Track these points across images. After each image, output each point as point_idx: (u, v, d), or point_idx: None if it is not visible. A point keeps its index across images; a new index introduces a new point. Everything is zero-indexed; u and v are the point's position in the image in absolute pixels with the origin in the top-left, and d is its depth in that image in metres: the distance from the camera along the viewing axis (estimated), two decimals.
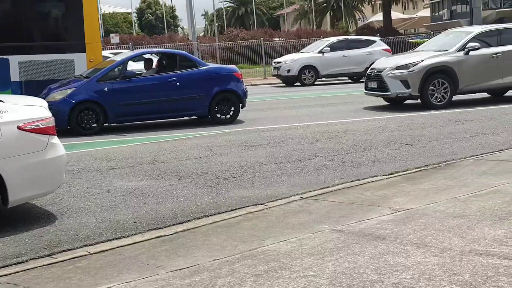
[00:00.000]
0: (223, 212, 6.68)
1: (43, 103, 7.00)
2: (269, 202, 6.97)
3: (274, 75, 28.75)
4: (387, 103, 16.30)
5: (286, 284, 4.28)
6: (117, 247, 5.56)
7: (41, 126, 6.41)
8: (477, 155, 8.89)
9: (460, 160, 8.55)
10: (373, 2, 58.72)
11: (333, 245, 5.07)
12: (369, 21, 65.16)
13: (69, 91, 13.27)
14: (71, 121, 13.06)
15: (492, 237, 4.97)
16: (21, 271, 5.02)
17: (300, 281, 4.30)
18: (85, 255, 5.39)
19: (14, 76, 14.92)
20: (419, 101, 15.28)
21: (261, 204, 6.89)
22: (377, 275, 4.30)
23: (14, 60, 14.93)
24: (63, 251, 5.58)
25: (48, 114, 6.64)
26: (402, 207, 6.17)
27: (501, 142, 9.91)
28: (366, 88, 16.38)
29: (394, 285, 4.10)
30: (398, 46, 35.11)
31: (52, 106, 11.35)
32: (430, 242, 4.93)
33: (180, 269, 4.78)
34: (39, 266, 5.12)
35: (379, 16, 60.81)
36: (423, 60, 15.05)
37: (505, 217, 5.49)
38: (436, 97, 14.94)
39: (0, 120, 6.13)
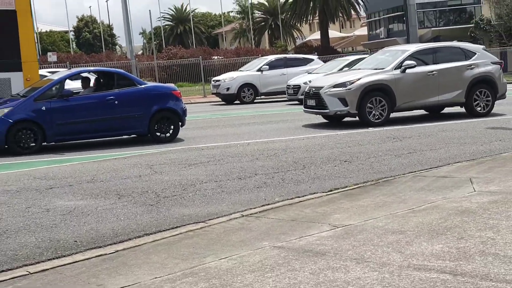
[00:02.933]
0: (164, 230, 6.68)
1: None
2: (210, 219, 7.00)
3: (213, 93, 28.90)
4: (326, 121, 16.60)
5: None
6: (58, 266, 5.50)
7: None
8: (415, 171, 9.09)
9: (399, 177, 8.75)
10: (310, 21, 59.75)
11: (274, 261, 5.16)
12: (307, 39, 66.26)
13: (6, 110, 13.02)
14: (8, 140, 12.81)
15: (430, 252, 5.13)
16: None
17: None
18: (25, 274, 5.32)
19: None
20: (357, 118, 15.62)
21: (202, 222, 6.93)
22: None
23: None
24: (2, 271, 5.49)
25: None
26: (341, 223, 6.31)
27: (438, 158, 10.22)
28: (305, 106, 16.64)
29: None
30: None
31: None
32: (369, 258, 5.07)
33: None
34: None
35: (317, 35, 61.86)
36: (360, 78, 15.40)
37: (443, 232, 5.68)
38: (374, 114, 15.31)
39: None
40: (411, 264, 4.84)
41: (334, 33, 64.32)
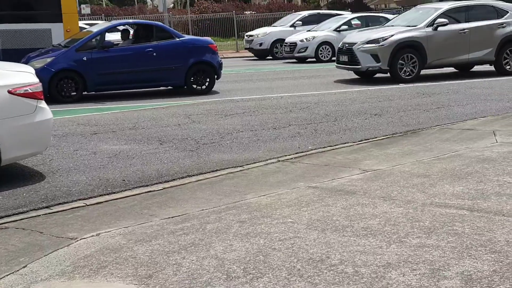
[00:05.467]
0: (206, 173, 7.17)
1: (31, 69, 7.38)
2: (248, 164, 7.48)
3: (246, 48, 29.17)
4: (358, 77, 16.90)
5: (268, 228, 4.83)
6: (111, 200, 6.05)
7: (30, 91, 6.81)
8: (441, 124, 9.51)
9: (426, 129, 9.16)
10: None
11: (309, 198, 5.63)
12: None
13: (49, 59, 13.57)
14: (51, 89, 13.38)
15: (451, 192, 5.59)
16: (26, 218, 5.50)
17: (280, 226, 4.85)
18: (82, 206, 5.88)
19: None
20: (388, 74, 15.89)
21: (240, 166, 7.40)
22: (348, 221, 4.88)
23: None
24: (60, 203, 6.03)
25: (36, 80, 7.04)
26: (371, 168, 6.76)
27: (465, 113, 10.56)
28: (338, 61, 16.96)
29: (362, 229, 4.68)
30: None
31: None
32: (395, 196, 5.52)
33: (172, 217, 5.30)
34: (42, 215, 5.60)
35: None
36: (393, 35, 15.64)
37: (464, 176, 6.12)
38: (405, 71, 15.58)
39: None
40: (433, 202, 5.30)
41: None
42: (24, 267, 4.28)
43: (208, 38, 16.40)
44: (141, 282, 3.91)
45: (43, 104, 7.01)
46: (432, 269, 3.86)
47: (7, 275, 4.14)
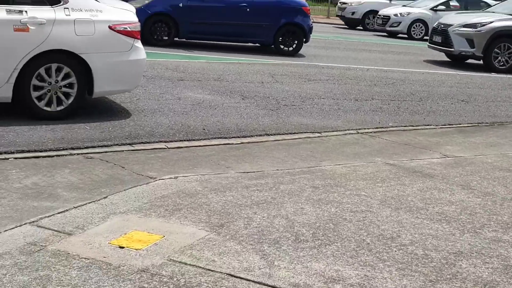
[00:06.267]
0: (283, 134, 7.24)
1: (132, 8, 7.56)
2: (326, 132, 7.49)
3: (337, 16, 28.83)
4: (448, 59, 16.48)
5: (340, 198, 4.85)
6: (191, 147, 6.20)
7: (129, 29, 6.99)
8: None
9: None
10: None
11: (385, 175, 5.61)
12: None
13: (147, 1, 13.81)
14: (144, 30, 13.57)
15: None
16: (110, 152, 5.72)
17: (353, 198, 4.87)
18: (163, 148, 6.06)
19: None
20: (481, 62, 15.42)
21: (318, 132, 7.42)
22: (423, 204, 4.85)
23: None
24: (142, 142, 6.23)
25: (136, 19, 7.20)
26: (452, 154, 6.65)
27: None
28: (430, 41, 16.56)
29: (437, 213, 4.64)
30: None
31: None
32: (474, 186, 5.43)
33: (247, 172, 5.40)
34: (125, 151, 5.80)
35: None
36: (492, 22, 15.10)
37: None
38: (500, 60, 15.07)
39: (95, 18, 6.71)
40: None
41: None
42: (105, 197, 4.47)
43: (303, 0, 16.26)
44: (213, 230, 4.02)
45: (138, 43, 7.19)
46: (505, 265, 3.81)
47: (89, 203, 4.34)
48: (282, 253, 3.75)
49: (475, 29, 15.10)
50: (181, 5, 13.84)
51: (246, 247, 3.79)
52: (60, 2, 6.50)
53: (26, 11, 6.29)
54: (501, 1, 18.74)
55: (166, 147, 6.11)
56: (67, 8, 6.52)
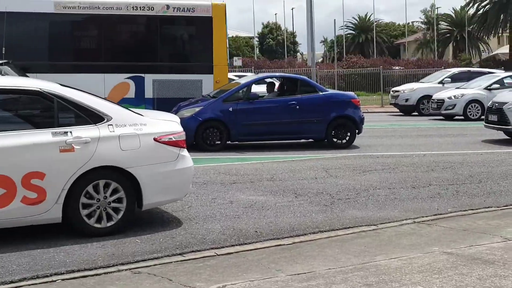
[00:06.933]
0: (337, 229, 7.09)
1: (176, 118, 7.74)
2: (382, 223, 7.31)
3: (391, 104, 28.82)
4: (508, 137, 16.10)
5: None
6: (241, 251, 6.13)
7: (174, 139, 7.11)
8: None
9: None
10: (499, 34, 57.17)
11: (442, 265, 5.38)
12: (494, 53, 63.41)
13: (197, 109, 14.18)
14: (197, 137, 13.93)
15: None
16: (159, 264, 5.69)
17: None
18: (213, 255, 6.00)
19: (148, 93, 16.21)
20: None
21: (373, 225, 7.24)
22: None
23: (149, 79, 16.23)
24: (193, 251, 6.19)
25: (180, 128, 7.35)
26: None
27: None
28: (486, 121, 16.28)
29: None
30: None
31: (181, 122, 12.33)
32: None
33: (298, 274, 5.26)
34: (174, 262, 5.77)
35: (505, 49, 59.00)
36: None
37: None
38: None
39: (139, 132, 6.88)
40: None
41: None
42: None
43: (351, 93, 16.40)
44: None
45: (185, 152, 7.29)
46: None
47: None
48: None
49: None
50: (231, 109, 14.13)
51: None
52: (103, 119, 6.72)
53: (71, 132, 6.51)
54: None
55: (216, 254, 6.05)
56: (111, 124, 6.72)
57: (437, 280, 4.94)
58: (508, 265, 5.29)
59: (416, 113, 26.71)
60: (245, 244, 6.49)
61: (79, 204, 6.49)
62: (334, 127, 14.69)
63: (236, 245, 6.45)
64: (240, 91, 14.65)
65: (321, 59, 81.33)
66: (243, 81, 15.56)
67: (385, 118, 25.68)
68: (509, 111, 15.10)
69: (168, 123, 7.32)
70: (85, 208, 6.56)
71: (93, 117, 6.70)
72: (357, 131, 14.93)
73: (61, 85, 6.93)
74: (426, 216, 7.61)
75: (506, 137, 16.13)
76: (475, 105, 23.44)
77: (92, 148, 6.52)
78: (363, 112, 16.19)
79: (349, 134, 14.82)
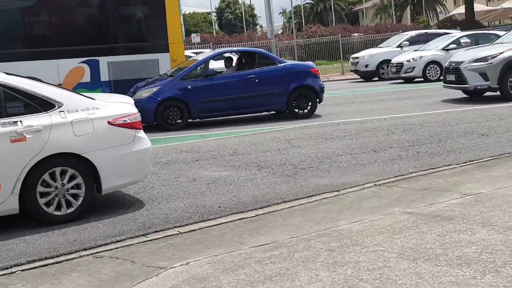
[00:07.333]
0: (300, 198, 7.10)
1: (130, 100, 7.64)
2: (344, 189, 7.34)
3: (352, 71, 28.94)
4: (466, 96, 16.29)
5: (357, 257, 4.68)
6: (204, 228, 6.11)
7: (129, 121, 7.01)
8: None
9: None
10: None
11: (403, 225, 5.43)
12: (451, 14, 63.90)
13: (155, 89, 14.03)
14: (157, 117, 13.81)
15: None
16: (121, 247, 5.64)
17: (370, 255, 4.69)
18: (176, 234, 5.97)
19: (104, 76, 15.95)
20: (498, 93, 15.21)
21: (336, 191, 7.28)
22: (442, 249, 4.64)
23: (104, 61, 15.95)
24: (156, 231, 6.15)
25: (135, 110, 7.24)
26: (472, 191, 6.44)
27: None
28: (445, 81, 16.44)
29: (457, 258, 4.43)
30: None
31: (139, 104, 12.20)
32: (495, 222, 5.21)
33: (261, 245, 5.27)
34: (136, 243, 5.72)
35: (461, 9, 59.34)
36: (502, 52, 14.96)
37: None
38: None
39: (92, 116, 6.76)
40: None
41: (480, 6, 61.42)
42: None
43: (310, 63, 16.39)
44: None
45: (141, 133, 7.20)
46: None
47: None
48: None
49: (487, 62, 14.97)
50: (189, 87, 14.02)
51: None
52: (54, 106, 6.58)
53: (21, 121, 6.37)
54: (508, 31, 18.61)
55: (179, 232, 6.02)
56: (63, 111, 6.60)
57: (398, 240, 4.98)
58: (466, 220, 5.37)
59: (377, 78, 26.86)
60: (209, 220, 6.46)
61: (36, 193, 6.38)
62: (294, 98, 14.69)
63: (200, 221, 6.42)
64: (198, 68, 14.53)
65: (281, 30, 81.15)
66: (200, 57, 15.42)
67: (346, 86, 25.77)
68: (466, 70, 15.25)
69: (122, 105, 7.21)
70: (43, 196, 6.45)
71: (43, 105, 6.57)
72: (318, 100, 14.95)
73: (6, 73, 6.76)
74: (387, 179, 7.67)
75: (464, 95, 16.32)
76: (433, 66, 23.64)
77: (45, 136, 6.40)
78: (324, 81, 16.23)
79: (310, 103, 14.83)
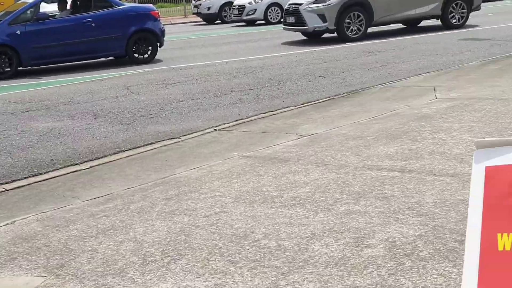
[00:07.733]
0: (139, 147, 6.87)
1: None
2: (184, 135, 7.19)
3: (194, 13, 28.59)
4: (305, 38, 16.61)
5: (194, 204, 4.57)
6: (34, 183, 5.71)
7: None
8: (384, 83, 9.34)
9: (368, 88, 8.98)
10: None
11: (241, 169, 5.38)
12: None
13: None
14: None
15: (385, 153, 5.40)
16: None
17: (207, 201, 4.60)
18: (2, 191, 5.53)
19: None
20: (335, 34, 15.64)
21: (176, 137, 7.11)
22: (278, 191, 4.65)
23: None
24: None
25: None
26: (308, 132, 6.53)
27: (409, 70, 10.41)
28: (285, 23, 16.64)
29: (292, 198, 4.45)
30: None
31: None
32: (329, 161, 5.31)
33: (95, 198, 5.00)
34: None
35: None
36: None
37: (399, 136, 5.93)
38: (352, 29, 15.35)
39: None
40: (366, 165, 5.10)
41: None
42: None
43: (149, 5, 15.92)
44: (51, 273, 3.63)
45: None
46: (356, 238, 3.66)
47: None
48: (127, 282, 3.42)
49: (325, 4, 15.30)
50: (18, 32, 13.08)
51: (88, 285, 3.43)
52: None
53: None
54: None
55: (4, 189, 5.58)
56: None
57: (236, 185, 4.93)
58: (301, 160, 5.42)
59: (219, 21, 26.76)
60: (39, 174, 6.06)
61: None
62: (134, 42, 14.21)
63: (29, 177, 6.01)
64: (28, 12, 13.57)
65: None
66: (30, 0, 14.41)
67: (188, 29, 25.44)
68: (305, 11, 15.51)
69: None
70: None
71: None
72: (158, 44, 14.57)
73: None
74: (228, 123, 7.61)
75: (304, 37, 16.64)
76: (275, 9, 23.88)
77: None
78: (166, 24, 15.84)
79: (150, 48, 14.43)
